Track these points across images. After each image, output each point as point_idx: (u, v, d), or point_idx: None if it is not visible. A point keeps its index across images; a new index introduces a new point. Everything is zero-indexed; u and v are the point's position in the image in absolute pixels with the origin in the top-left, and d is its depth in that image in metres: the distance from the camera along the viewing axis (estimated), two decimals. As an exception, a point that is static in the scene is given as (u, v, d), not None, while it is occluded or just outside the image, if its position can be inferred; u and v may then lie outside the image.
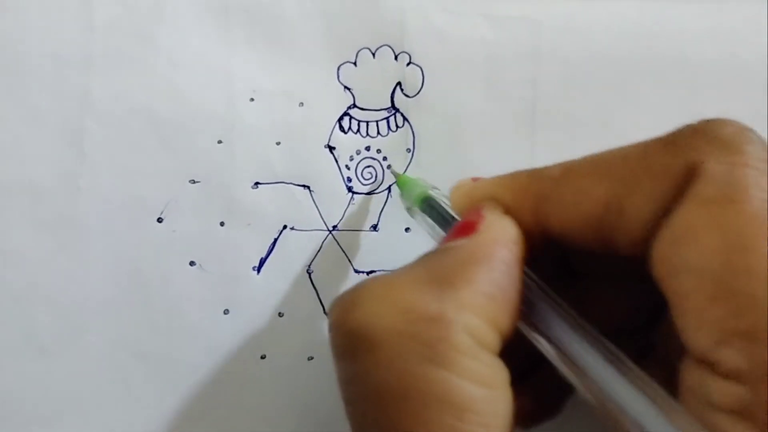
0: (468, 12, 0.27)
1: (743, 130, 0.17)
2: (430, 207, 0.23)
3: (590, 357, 0.16)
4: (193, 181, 0.26)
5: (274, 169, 0.26)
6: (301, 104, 0.27)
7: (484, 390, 0.16)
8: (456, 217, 0.21)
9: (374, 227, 0.27)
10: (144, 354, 0.25)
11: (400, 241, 0.26)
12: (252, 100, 0.26)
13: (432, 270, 0.17)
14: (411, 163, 0.27)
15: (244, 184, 0.26)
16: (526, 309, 0.18)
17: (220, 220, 0.26)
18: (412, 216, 0.24)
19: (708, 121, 0.17)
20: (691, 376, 0.16)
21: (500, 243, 0.18)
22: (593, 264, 0.21)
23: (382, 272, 0.19)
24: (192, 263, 0.26)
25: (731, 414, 0.14)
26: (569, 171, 0.18)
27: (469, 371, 0.16)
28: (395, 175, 0.26)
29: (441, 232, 0.21)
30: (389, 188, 0.27)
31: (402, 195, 0.25)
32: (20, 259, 0.25)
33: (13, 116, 0.25)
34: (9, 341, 0.25)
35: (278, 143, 0.26)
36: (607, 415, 0.16)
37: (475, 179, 0.21)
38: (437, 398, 0.15)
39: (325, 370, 0.26)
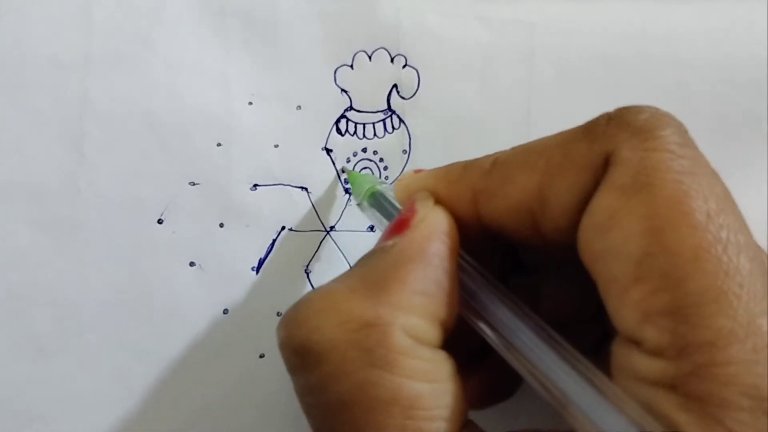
0: (463, 15, 0.28)
1: (658, 116, 0.17)
2: (377, 202, 0.23)
3: (527, 339, 0.17)
4: (193, 183, 0.26)
5: (273, 171, 0.27)
6: (299, 107, 0.27)
7: (428, 385, 0.16)
8: (400, 210, 0.21)
9: (371, 228, 0.27)
10: (143, 354, 0.26)
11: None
12: (250, 103, 0.27)
13: (366, 275, 0.18)
14: (407, 165, 0.27)
15: (243, 186, 0.26)
16: (467, 296, 0.18)
17: (219, 222, 0.26)
18: (362, 211, 0.25)
19: (623, 108, 0.17)
20: (621, 354, 0.16)
21: (432, 237, 0.18)
22: (540, 256, 0.22)
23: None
24: (191, 264, 0.26)
25: (658, 387, 0.15)
26: (498, 162, 0.19)
27: (411, 369, 0.16)
28: (346, 172, 0.27)
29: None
30: (386, 189, 0.27)
31: (352, 191, 0.26)
32: (20, 260, 0.25)
33: (13, 118, 0.26)
34: (9, 341, 0.25)
35: (276, 146, 0.27)
36: (549, 396, 0.16)
37: (417, 171, 0.21)
38: (385, 400, 0.16)
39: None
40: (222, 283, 0.26)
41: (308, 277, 0.27)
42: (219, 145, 0.26)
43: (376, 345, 0.16)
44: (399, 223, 0.19)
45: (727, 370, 0.14)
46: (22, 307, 0.25)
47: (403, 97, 0.27)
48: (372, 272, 0.18)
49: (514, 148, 0.19)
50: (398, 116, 0.27)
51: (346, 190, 0.27)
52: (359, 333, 0.16)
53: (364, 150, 0.27)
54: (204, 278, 0.26)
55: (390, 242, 0.18)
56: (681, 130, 0.17)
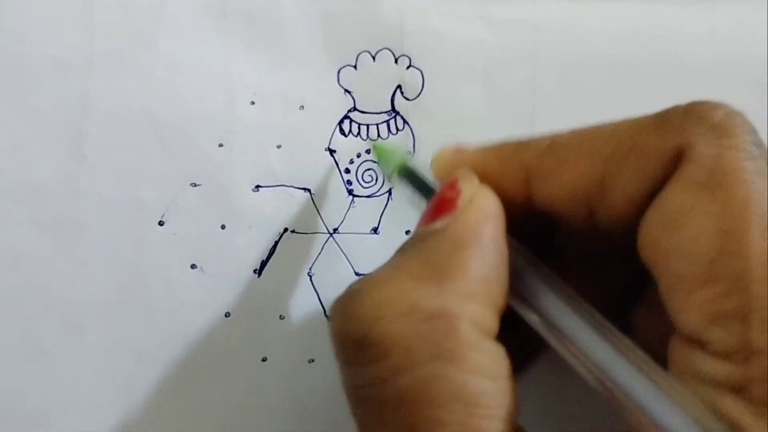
0: (467, 15, 0.27)
1: (733, 114, 0.17)
2: (409, 176, 0.22)
3: (576, 325, 0.17)
4: (194, 184, 0.26)
5: (275, 172, 0.26)
6: (302, 107, 0.27)
7: (490, 382, 0.16)
8: (435, 187, 0.21)
9: (375, 230, 0.27)
10: (144, 356, 0.25)
11: (400, 244, 0.26)
12: (252, 103, 0.26)
13: (425, 261, 0.17)
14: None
15: (245, 187, 0.26)
16: (516, 282, 0.18)
17: (221, 223, 0.26)
18: (392, 185, 0.24)
19: (698, 103, 0.17)
20: (680, 354, 0.16)
21: (485, 219, 0.18)
22: (575, 241, 0.21)
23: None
24: (193, 266, 0.26)
25: (723, 389, 0.15)
26: (557, 144, 0.18)
27: (477, 365, 0.16)
28: (372, 144, 0.26)
29: (422, 202, 0.21)
30: (390, 191, 0.27)
31: (380, 164, 0.25)
32: (21, 261, 0.25)
33: (14, 118, 0.25)
34: (9, 343, 0.25)
35: (279, 146, 0.26)
36: (602, 388, 0.16)
37: (458, 146, 0.21)
38: (448, 396, 0.15)
39: (326, 373, 0.26)
40: (224, 285, 0.26)
41: (311, 279, 0.26)
42: (221, 145, 0.26)
43: (443, 337, 0.16)
44: (442, 203, 0.18)
45: None
46: (22, 309, 0.25)
47: (407, 98, 0.27)
48: (431, 258, 0.17)
49: (573, 131, 0.18)
50: (402, 117, 0.27)
51: (349, 192, 0.27)
52: (426, 324, 0.16)
53: (368, 151, 0.27)
54: (205, 280, 0.26)
55: (439, 225, 0.17)
56: (753, 129, 0.16)
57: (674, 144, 0.16)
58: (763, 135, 0.28)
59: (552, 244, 0.22)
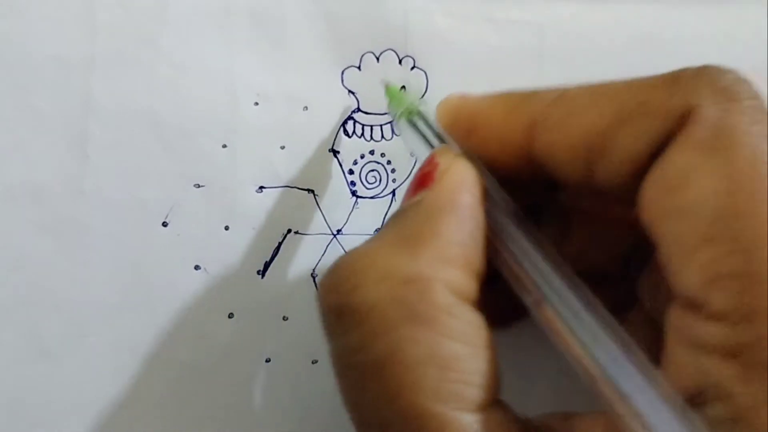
0: (471, 16, 0.27)
1: (741, 79, 0.17)
2: (415, 124, 0.22)
3: (563, 306, 0.16)
4: (198, 185, 0.26)
5: (279, 173, 0.26)
6: (306, 108, 0.27)
7: (465, 347, 0.16)
8: (440, 136, 0.21)
9: (378, 231, 0.27)
10: (147, 357, 0.25)
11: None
12: (256, 104, 0.26)
13: (400, 231, 0.17)
14: (415, 167, 0.27)
15: (249, 188, 0.26)
16: (498, 243, 0.18)
17: (225, 224, 0.26)
18: (397, 131, 0.24)
19: (708, 66, 0.17)
20: (678, 318, 0.16)
21: (460, 188, 0.18)
22: (579, 201, 0.21)
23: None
24: (196, 267, 0.26)
25: (717, 354, 0.15)
26: (565, 96, 0.18)
27: (451, 329, 0.16)
28: (384, 84, 0.25)
29: (425, 151, 0.21)
30: (393, 192, 0.27)
31: (389, 106, 0.25)
32: (23, 262, 0.25)
33: (15, 118, 0.25)
34: (12, 344, 0.25)
35: (282, 147, 0.26)
36: (577, 364, 0.16)
37: (463, 95, 0.21)
38: (423, 358, 0.15)
39: (330, 374, 0.26)
40: (227, 286, 0.26)
41: (314, 280, 0.26)
42: (224, 146, 0.26)
43: (417, 301, 0.16)
44: (422, 178, 0.18)
45: None
46: (25, 310, 0.25)
47: (411, 99, 0.27)
48: (406, 228, 0.17)
49: (582, 85, 0.18)
50: (391, 118, 0.27)
51: (353, 193, 0.27)
52: (401, 289, 0.16)
53: (372, 152, 0.27)
54: (209, 281, 0.26)
55: (417, 197, 0.18)
56: (760, 96, 0.16)
57: (681, 104, 0.16)
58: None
59: (556, 204, 0.22)
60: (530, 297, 0.17)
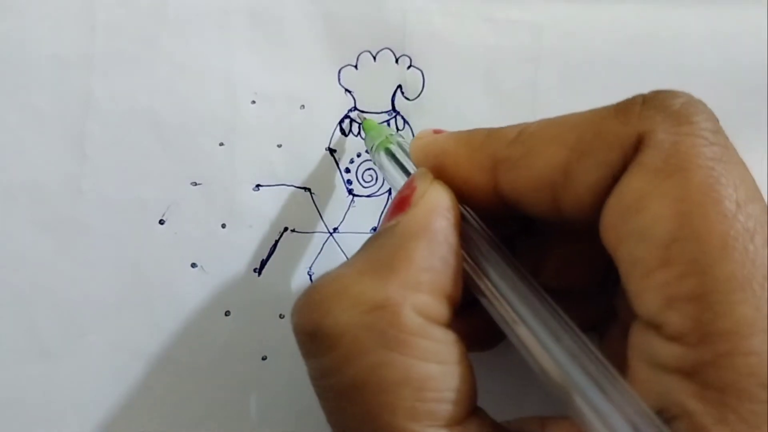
0: (469, 15, 0.27)
1: (693, 102, 0.17)
2: (392, 156, 0.23)
3: (529, 319, 0.17)
4: (195, 183, 0.26)
5: (276, 172, 0.26)
6: (303, 107, 0.27)
7: (438, 366, 0.16)
8: (413, 170, 0.21)
9: (374, 230, 0.27)
10: (145, 355, 0.26)
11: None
12: (253, 102, 0.26)
13: (372, 257, 0.18)
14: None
15: (246, 186, 0.26)
16: (472, 269, 0.18)
17: (222, 222, 0.26)
18: (375, 163, 0.24)
19: (659, 92, 0.17)
20: (639, 338, 0.16)
21: (434, 212, 0.18)
22: (555, 225, 0.22)
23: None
24: (193, 265, 0.26)
25: (675, 374, 0.15)
26: (524, 133, 0.19)
27: (422, 350, 0.16)
28: (361, 119, 0.26)
29: (400, 181, 0.22)
30: (389, 191, 0.27)
31: (366, 139, 0.25)
32: (22, 261, 0.25)
33: (15, 118, 0.25)
34: (11, 343, 0.25)
35: (279, 146, 0.26)
36: (541, 373, 0.16)
37: (436, 131, 0.21)
38: (395, 382, 0.16)
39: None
40: (224, 284, 0.26)
41: (311, 278, 0.26)
42: (222, 144, 0.26)
43: (387, 326, 0.16)
44: (399, 202, 0.19)
45: (747, 360, 0.14)
46: (24, 309, 0.25)
47: (407, 98, 0.27)
48: (378, 253, 0.18)
49: (540, 121, 0.19)
50: (403, 117, 0.27)
51: (350, 191, 0.27)
52: (370, 315, 0.16)
53: (368, 151, 0.27)
54: (206, 279, 0.26)
55: (393, 222, 0.18)
56: (713, 117, 0.17)
57: (635, 131, 0.17)
58: (763, 136, 0.28)
59: (532, 226, 0.22)
60: (503, 319, 0.17)
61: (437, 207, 0.18)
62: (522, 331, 0.17)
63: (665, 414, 0.15)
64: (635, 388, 0.15)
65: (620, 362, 0.16)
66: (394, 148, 0.23)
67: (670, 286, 0.15)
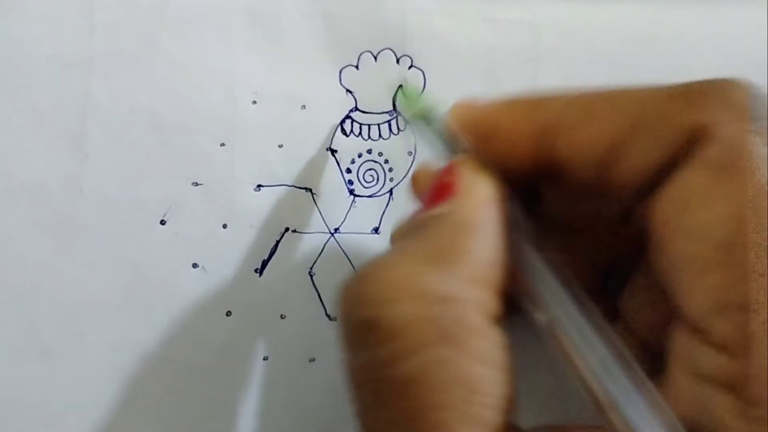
0: (469, 15, 0.27)
1: (755, 96, 0.16)
2: (430, 124, 0.22)
3: (571, 323, 0.16)
4: (196, 184, 0.26)
5: (276, 172, 0.26)
6: (303, 107, 0.27)
7: (491, 371, 0.16)
8: (454, 140, 0.21)
9: (376, 230, 0.27)
10: (146, 356, 0.25)
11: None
12: (254, 102, 0.26)
13: (431, 245, 0.17)
14: (413, 166, 0.27)
15: (247, 187, 0.26)
16: (514, 256, 0.18)
17: (223, 223, 0.26)
18: (412, 129, 0.24)
19: (721, 81, 0.17)
20: (682, 342, 0.16)
21: (486, 204, 0.18)
22: (567, 209, 0.21)
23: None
24: (194, 265, 0.26)
25: (717, 385, 0.14)
26: (578, 102, 0.18)
27: (480, 352, 0.16)
28: (402, 84, 0.25)
29: (440, 149, 0.21)
30: (391, 191, 0.27)
31: (402, 106, 0.24)
32: (22, 261, 0.25)
33: (14, 118, 0.25)
34: (11, 343, 0.25)
35: (280, 146, 0.26)
36: (583, 389, 0.16)
37: (475, 99, 0.20)
38: (450, 381, 0.15)
39: (327, 372, 0.26)
40: (225, 284, 0.26)
41: (312, 279, 0.26)
42: (222, 145, 0.26)
43: (451, 321, 0.16)
44: (441, 188, 0.18)
45: None
46: (24, 309, 0.25)
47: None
48: (436, 243, 0.17)
49: (594, 90, 0.18)
50: (404, 118, 0.27)
51: (351, 192, 0.27)
52: (435, 308, 0.16)
53: (369, 151, 0.27)
54: (207, 280, 0.26)
55: (440, 210, 0.17)
56: None
57: (693, 120, 0.16)
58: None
59: (538, 215, 0.22)
60: (543, 317, 0.17)
61: (488, 198, 0.18)
62: (562, 336, 0.16)
63: (700, 429, 0.14)
64: (672, 396, 0.15)
65: None
66: (432, 116, 0.22)
67: (722, 290, 0.15)
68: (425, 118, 0.22)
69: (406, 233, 0.18)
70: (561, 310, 0.17)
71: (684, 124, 0.16)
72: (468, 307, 0.16)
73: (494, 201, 0.18)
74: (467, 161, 0.19)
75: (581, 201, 0.20)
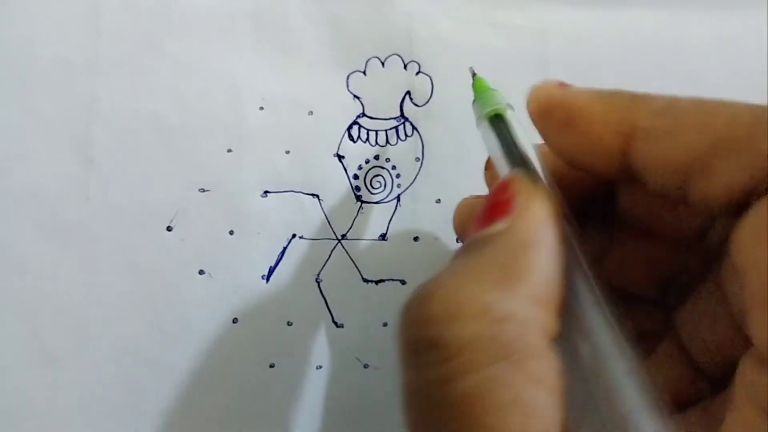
0: (476, 21, 0.27)
1: None
2: (498, 127, 0.21)
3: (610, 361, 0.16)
4: (203, 190, 0.26)
5: (283, 178, 0.26)
6: (311, 113, 0.27)
7: (548, 395, 0.16)
8: (519, 150, 0.20)
9: (383, 236, 0.27)
10: (151, 362, 0.25)
11: (408, 250, 0.26)
12: (261, 108, 0.26)
13: (491, 264, 0.17)
14: (420, 173, 0.27)
15: (253, 193, 0.26)
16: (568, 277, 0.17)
17: (229, 229, 0.26)
18: (477, 127, 0.22)
19: None
20: (751, 374, 0.15)
21: (547, 222, 0.17)
22: (640, 213, 0.21)
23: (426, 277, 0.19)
24: (201, 272, 0.26)
25: None
26: (675, 107, 0.17)
27: (538, 374, 0.16)
28: (472, 76, 0.23)
29: (501, 157, 0.20)
30: (398, 197, 0.27)
31: (474, 103, 0.23)
32: (28, 267, 0.25)
33: (21, 123, 0.25)
34: (17, 348, 0.25)
35: (287, 152, 0.26)
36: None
37: (561, 84, 0.19)
38: (507, 402, 0.15)
39: (334, 379, 0.26)
40: (232, 291, 0.26)
41: (319, 285, 0.26)
42: (229, 150, 0.26)
43: (512, 341, 0.15)
44: (497, 205, 0.18)
45: None
46: (29, 314, 0.25)
47: (416, 104, 0.27)
48: (497, 261, 0.17)
49: (693, 98, 0.17)
50: (411, 123, 0.27)
51: (358, 198, 0.27)
52: (497, 327, 0.15)
53: (377, 157, 0.27)
54: (213, 286, 0.26)
55: (499, 227, 0.17)
56: None
57: None
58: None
59: (607, 212, 0.22)
60: (587, 348, 0.17)
61: (549, 217, 0.17)
62: (604, 370, 0.16)
63: None
64: (736, 428, 0.15)
65: (675, 385, 0.16)
66: (504, 120, 0.21)
67: None
68: (499, 119, 0.21)
69: (465, 251, 0.18)
70: (607, 344, 0.16)
71: None
72: (529, 327, 0.16)
73: (552, 218, 0.17)
74: (524, 178, 0.18)
75: (657, 208, 0.20)
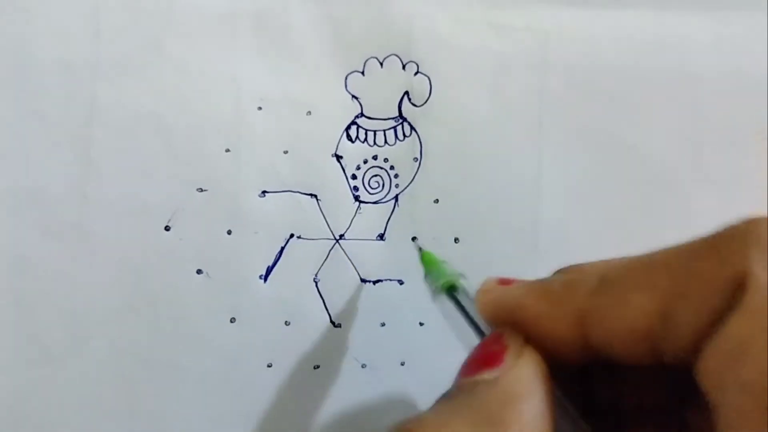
0: (476, 22, 0.27)
1: None
2: (454, 299, 0.22)
3: None
4: (201, 189, 0.26)
5: (282, 178, 0.26)
6: (309, 113, 0.27)
7: None
8: (480, 325, 0.21)
9: (381, 236, 0.27)
10: (150, 361, 0.25)
11: (406, 251, 0.27)
12: (260, 108, 0.26)
13: (479, 411, 0.17)
14: (418, 172, 0.27)
15: (252, 193, 0.26)
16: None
17: (227, 229, 0.26)
18: (432, 299, 0.23)
19: (750, 222, 0.16)
20: None
21: (537, 375, 0.18)
22: (624, 397, 0.21)
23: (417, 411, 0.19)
24: (199, 271, 0.26)
25: None
26: (607, 281, 0.18)
27: None
28: (419, 251, 0.24)
29: (464, 328, 0.21)
30: (396, 197, 0.27)
31: (426, 276, 0.23)
32: (27, 266, 0.25)
33: (20, 122, 0.25)
34: (15, 347, 0.25)
35: (286, 152, 0.26)
36: None
37: (502, 281, 0.20)
38: None
39: (331, 379, 0.26)
40: (229, 291, 0.26)
41: (317, 285, 0.26)
42: (227, 150, 0.26)
43: None
44: (489, 356, 0.18)
45: None
46: (28, 313, 0.25)
47: (414, 105, 0.27)
48: (485, 408, 0.17)
49: (622, 262, 0.18)
50: (409, 123, 0.27)
51: (356, 198, 0.27)
52: None
53: (375, 157, 0.27)
54: (211, 286, 0.26)
55: (487, 376, 0.18)
56: None
57: (733, 271, 0.16)
58: (764, 143, 0.28)
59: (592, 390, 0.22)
60: None
61: (536, 370, 0.18)
62: None
63: None
64: None
65: None
66: (459, 294, 0.22)
67: None
68: (452, 291, 0.22)
69: (453, 393, 0.18)
70: None
71: (723, 278, 0.16)
72: None
73: (542, 375, 0.18)
74: (513, 334, 0.19)
75: (634, 379, 0.20)
